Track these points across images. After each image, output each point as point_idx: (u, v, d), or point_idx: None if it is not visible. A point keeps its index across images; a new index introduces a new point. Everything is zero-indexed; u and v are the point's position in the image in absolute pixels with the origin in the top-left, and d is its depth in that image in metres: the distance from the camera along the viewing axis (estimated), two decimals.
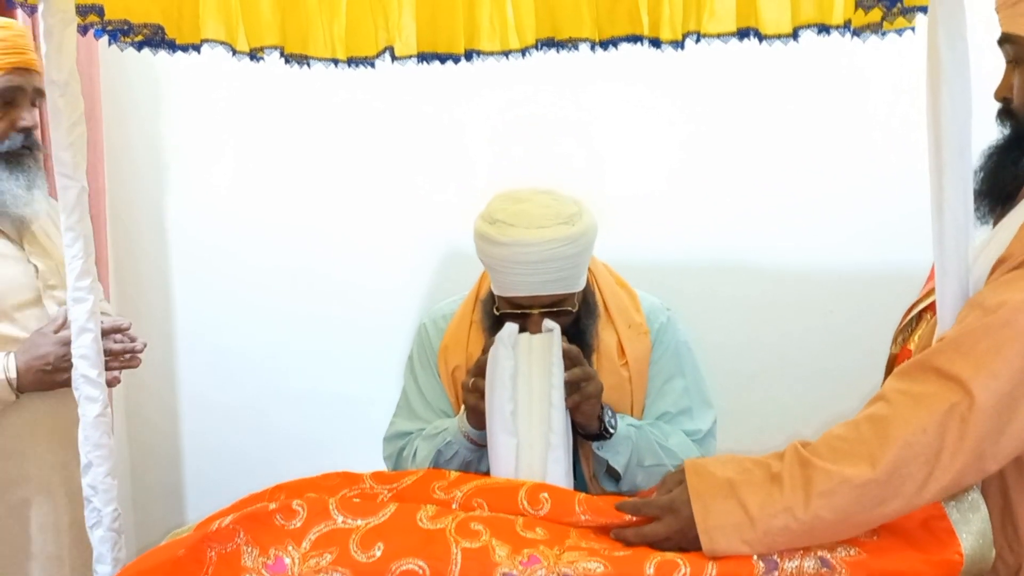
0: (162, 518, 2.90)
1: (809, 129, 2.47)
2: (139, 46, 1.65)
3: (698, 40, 1.58)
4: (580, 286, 1.70)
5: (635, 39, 1.60)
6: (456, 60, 1.68)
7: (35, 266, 1.84)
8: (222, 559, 1.25)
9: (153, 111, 2.79)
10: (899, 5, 1.43)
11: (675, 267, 2.53)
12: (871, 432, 1.18)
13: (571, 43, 1.64)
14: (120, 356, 1.83)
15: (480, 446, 1.69)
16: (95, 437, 1.48)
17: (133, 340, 1.86)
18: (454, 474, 1.45)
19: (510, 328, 1.62)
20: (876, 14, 1.49)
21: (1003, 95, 1.40)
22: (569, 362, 1.62)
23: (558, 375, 1.60)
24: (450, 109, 2.62)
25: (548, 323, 1.64)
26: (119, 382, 1.95)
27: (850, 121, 2.44)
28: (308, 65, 1.71)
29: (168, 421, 2.96)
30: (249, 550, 1.26)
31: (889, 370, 1.56)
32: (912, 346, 1.49)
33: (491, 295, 1.75)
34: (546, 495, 1.36)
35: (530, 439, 1.58)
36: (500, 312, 1.71)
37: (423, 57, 1.69)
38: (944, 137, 1.23)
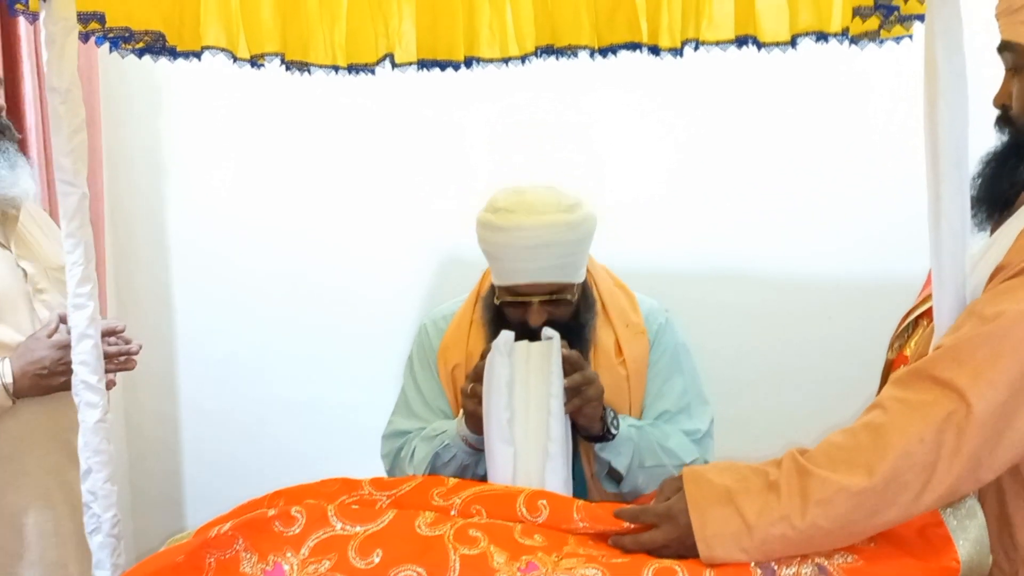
0: (161, 524, 2.89)
1: (807, 136, 2.48)
2: (140, 53, 1.65)
3: (697, 48, 1.59)
4: (579, 278, 1.71)
5: (634, 47, 1.61)
6: (456, 67, 1.69)
7: (23, 270, 1.84)
8: (221, 565, 1.25)
9: (153, 117, 2.80)
10: (896, 13, 1.44)
11: (673, 274, 2.54)
12: (868, 440, 1.18)
13: (570, 50, 1.65)
14: (115, 359, 1.82)
15: (478, 450, 1.70)
16: (95, 443, 1.48)
17: (128, 342, 1.85)
18: (453, 481, 1.45)
19: (506, 336, 1.62)
20: (874, 22, 1.49)
21: (1002, 102, 1.40)
22: (569, 367, 1.62)
23: (557, 384, 1.60)
24: (450, 114, 2.63)
25: (548, 331, 1.64)
26: (115, 384, 1.95)
27: (849, 128, 2.45)
28: (308, 72, 1.71)
29: (167, 427, 2.96)
30: (248, 556, 1.26)
31: (885, 376, 1.56)
32: (908, 352, 1.49)
33: (492, 291, 1.76)
34: (544, 502, 1.36)
35: (527, 448, 1.58)
36: (500, 301, 1.72)
37: (423, 64, 1.70)
38: (941, 145, 1.23)
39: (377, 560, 1.24)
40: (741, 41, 1.56)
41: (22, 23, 2.27)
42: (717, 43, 1.58)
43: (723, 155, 2.53)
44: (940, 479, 1.15)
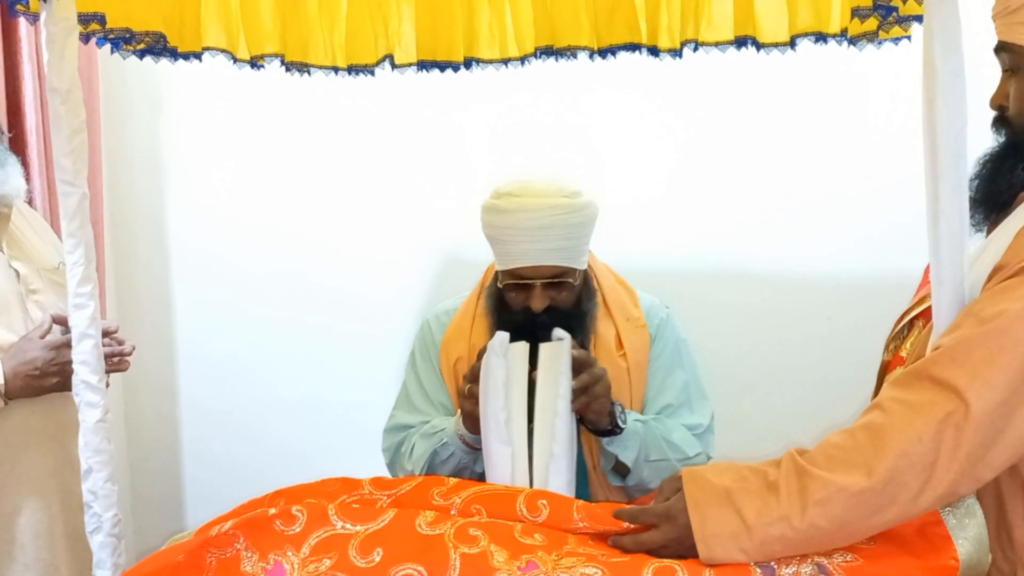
0: (161, 524, 2.90)
1: (807, 137, 2.48)
2: (141, 54, 1.65)
3: (696, 48, 1.59)
4: (581, 264, 1.74)
5: (633, 47, 1.61)
6: (456, 68, 1.69)
7: (16, 270, 1.83)
8: (221, 564, 1.26)
9: (153, 118, 2.80)
10: (895, 14, 1.44)
11: (674, 273, 2.54)
12: (867, 441, 1.18)
13: (570, 51, 1.65)
14: (109, 359, 1.79)
15: (476, 449, 1.71)
16: (95, 442, 1.48)
17: (121, 343, 1.85)
18: (453, 481, 1.45)
19: (501, 337, 1.64)
20: (872, 23, 1.50)
21: (999, 103, 1.40)
22: (578, 367, 1.63)
23: (565, 384, 1.61)
24: (450, 115, 2.63)
25: (559, 331, 1.66)
26: (108, 386, 1.94)
27: (848, 129, 2.45)
28: (308, 73, 1.72)
29: (167, 427, 2.96)
30: (248, 555, 1.27)
31: (881, 378, 1.56)
32: (904, 353, 1.49)
33: (495, 282, 1.77)
34: (544, 501, 1.36)
35: (527, 448, 1.59)
36: (503, 285, 1.74)
37: (423, 65, 1.70)
38: (940, 145, 1.24)
39: (378, 559, 1.24)
40: (740, 42, 1.56)
41: (23, 24, 2.27)
42: (716, 44, 1.58)
43: (723, 155, 2.53)
44: (939, 479, 1.16)
